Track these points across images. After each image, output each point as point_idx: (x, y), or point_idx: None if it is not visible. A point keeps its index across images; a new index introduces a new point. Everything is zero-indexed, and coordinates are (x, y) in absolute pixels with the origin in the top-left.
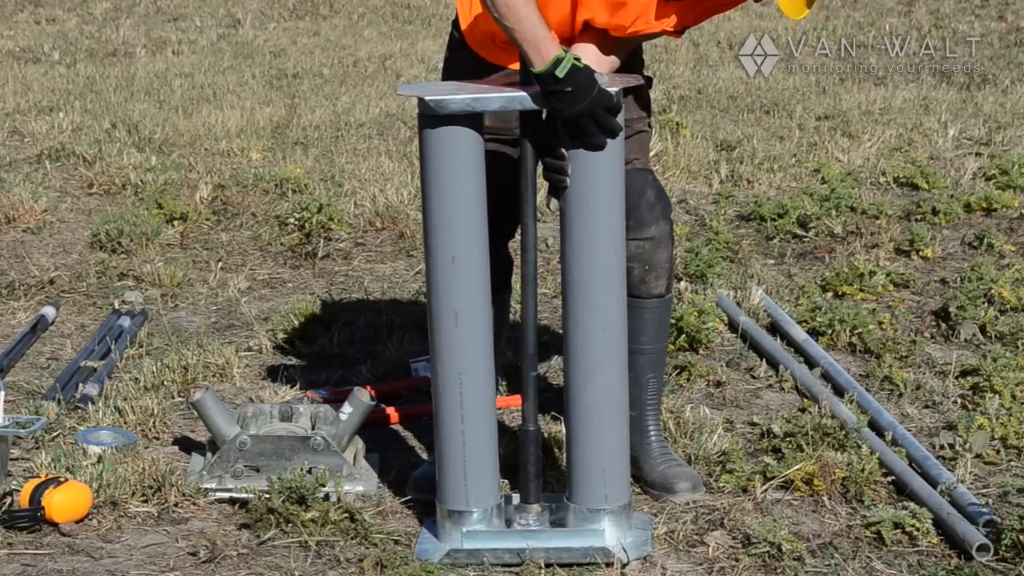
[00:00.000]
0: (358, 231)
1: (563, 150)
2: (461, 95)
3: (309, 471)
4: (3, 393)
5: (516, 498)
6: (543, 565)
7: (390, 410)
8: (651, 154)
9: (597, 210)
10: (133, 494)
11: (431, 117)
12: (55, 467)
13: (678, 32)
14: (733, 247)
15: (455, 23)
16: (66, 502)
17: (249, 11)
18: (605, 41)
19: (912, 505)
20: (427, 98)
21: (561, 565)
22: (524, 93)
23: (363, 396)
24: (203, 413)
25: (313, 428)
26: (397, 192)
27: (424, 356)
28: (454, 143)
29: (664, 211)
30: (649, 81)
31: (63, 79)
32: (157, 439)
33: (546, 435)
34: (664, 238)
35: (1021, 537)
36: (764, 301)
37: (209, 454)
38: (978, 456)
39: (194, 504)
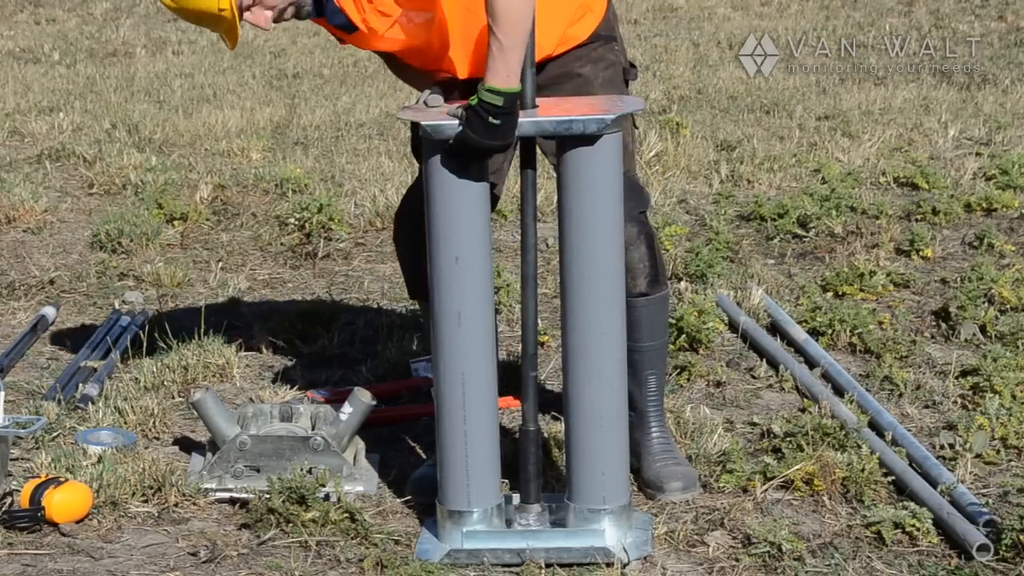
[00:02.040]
0: (358, 231)
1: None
2: (456, 121)
3: (309, 471)
4: (3, 393)
5: (516, 498)
6: (543, 565)
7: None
8: (651, 154)
9: (594, 213)
10: (133, 494)
11: (431, 141)
12: (55, 467)
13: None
14: (733, 247)
15: None
16: (66, 502)
17: None
18: None
19: (912, 505)
20: (424, 123)
21: (561, 565)
22: (523, 119)
23: (363, 396)
24: (203, 413)
25: (313, 428)
26: (397, 192)
27: (424, 356)
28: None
29: (632, 211)
30: (634, 72)
31: (63, 79)
32: (157, 439)
33: (546, 435)
34: (633, 239)
35: (1021, 537)
36: (764, 301)
37: (209, 454)
38: (978, 456)
39: (194, 504)
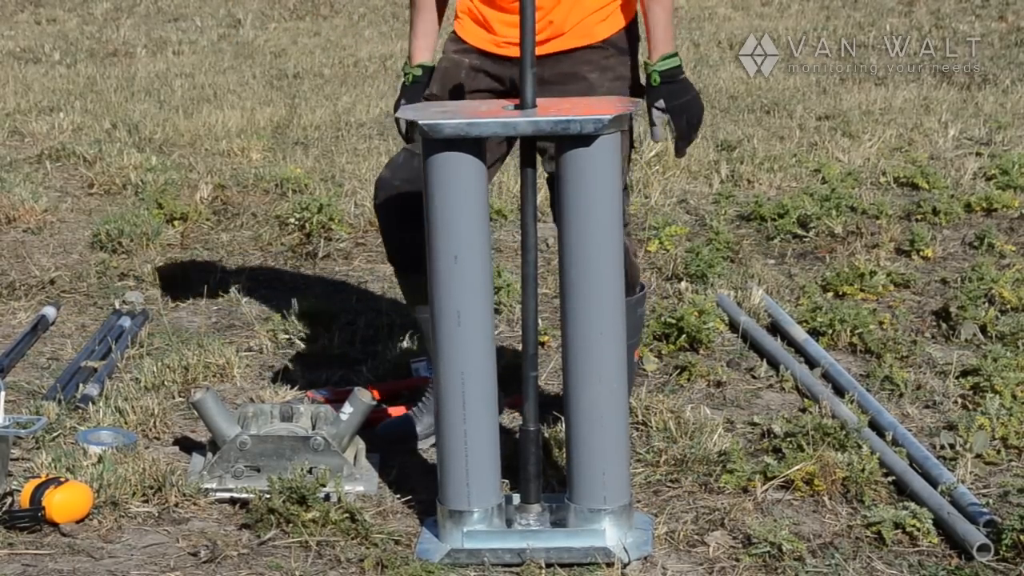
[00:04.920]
0: (358, 231)
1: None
2: (456, 120)
3: (310, 471)
4: (4, 393)
5: (517, 498)
6: (544, 565)
7: (393, 411)
8: (651, 154)
9: (595, 212)
10: (133, 494)
11: (431, 140)
12: (55, 467)
13: None
14: (733, 247)
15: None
16: (66, 502)
17: (249, 11)
18: None
19: (912, 505)
20: (421, 122)
21: (562, 565)
22: (520, 119)
23: (364, 396)
24: (203, 413)
25: (314, 428)
26: None
27: (424, 356)
28: (455, 162)
29: None
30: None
31: (63, 79)
32: (157, 439)
33: (546, 435)
34: None
35: (1022, 537)
36: (765, 301)
37: (209, 454)
38: (978, 456)
39: (195, 504)
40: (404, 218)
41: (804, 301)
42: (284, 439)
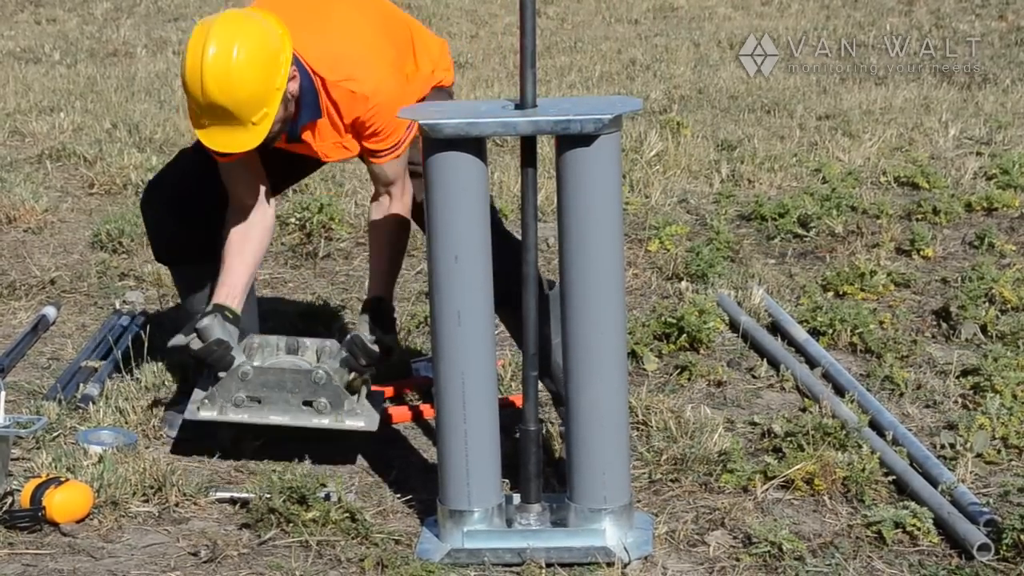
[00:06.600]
0: (359, 231)
1: None
2: (456, 120)
3: (310, 404)
4: (4, 393)
5: (517, 498)
6: (544, 565)
7: (394, 410)
8: (652, 154)
9: (595, 212)
10: (134, 494)
11: (432, 140)
12: (56, 467)
13: None
14: (734, 247)
15: None
16: (67, 502)
17: None
18: None
19: (913, 505)
20: (422, 122)
21: (562, 565)
22: (520, 119)
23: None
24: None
25: (318, 362)
26: None
27: (425, 356)
28: (455, 162)
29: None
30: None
31: (64, 79)
32: (158, 439)
33: (546, 434)
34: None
35: (1022, 536)
36: (765, 301)
37: (211, 385)
38: (979, 456)
39: (195, 504)
40: (176, 213)
41: (804, 301)
42: (286, 371)
